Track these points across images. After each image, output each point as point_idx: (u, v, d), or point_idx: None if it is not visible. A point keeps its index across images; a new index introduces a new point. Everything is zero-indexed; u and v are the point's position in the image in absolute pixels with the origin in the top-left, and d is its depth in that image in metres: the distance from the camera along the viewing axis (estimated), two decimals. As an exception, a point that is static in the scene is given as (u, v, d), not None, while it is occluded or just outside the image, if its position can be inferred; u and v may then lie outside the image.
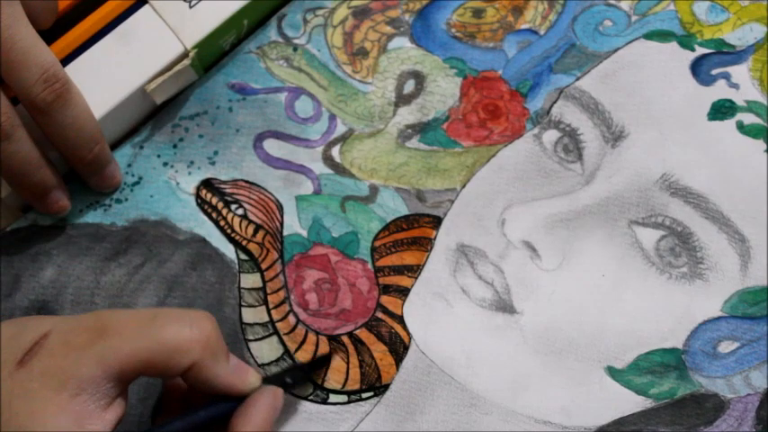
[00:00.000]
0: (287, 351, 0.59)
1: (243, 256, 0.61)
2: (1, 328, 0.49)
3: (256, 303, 0.60)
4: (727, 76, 0.62)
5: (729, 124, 0.61)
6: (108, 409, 0.48)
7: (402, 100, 0.64)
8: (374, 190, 0.62)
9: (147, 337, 0.49)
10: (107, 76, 0.59)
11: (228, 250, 0.61)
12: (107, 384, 0.48)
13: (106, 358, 0.48)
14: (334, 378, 0.58)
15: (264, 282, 0.60)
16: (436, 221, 0.61)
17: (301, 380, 0.57)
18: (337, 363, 0.58)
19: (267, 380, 0.54)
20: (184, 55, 0.61)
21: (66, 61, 0.59)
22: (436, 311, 0.59)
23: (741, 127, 0.61)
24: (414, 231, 0.61)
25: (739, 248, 0.59)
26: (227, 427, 0.51)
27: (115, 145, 0.63)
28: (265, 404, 0.52)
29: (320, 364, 0.59)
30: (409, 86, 0.64)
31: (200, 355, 0.49)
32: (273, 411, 0.52)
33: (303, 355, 0.59)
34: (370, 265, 0.60)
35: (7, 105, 0.55)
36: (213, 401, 0.52)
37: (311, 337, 0.59)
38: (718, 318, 0.59)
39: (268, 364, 0.59)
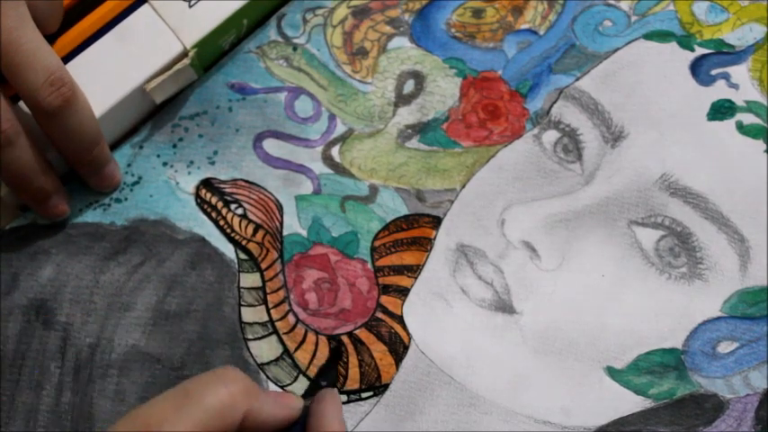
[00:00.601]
0: (286, 350, 0.59)
1: (242, 256, 0.61)
2: None
3: (256, 303, 0.60)
4: (726, 77, 0.63)
5: (729, 124, 0.61)
6: None
7: (402, 100, 0.64)
8: (374, 190, 0.62)
9: (191, 416, 0.47)
10: (106, 76, 0.59)
11: (228, 250, 0.61)
12: None
13: None
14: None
15: (264, 281, 0.60)
16: (436, 221, 0.61)
17: (332, 377, 0.58)
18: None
19: (307, 392, 0.55)
20: (184, 54, 0.61)
21: (65, 60, 0.59)
22: (436, 311, 0.59)
23: (741, 127, 0.61)
24: (413, 231, 0.61)
25: (739, 248, 0.59)
26: None
27: (115, 145, 0.63)
28: (334, 408, 0.52)
29: (338, 356, 0.59)
30: (409, 86, 0.64)
31: (247, 402, 0.48)
32: (340, 409, 0.53)
33: (303, 355, 0.59)
34: (369, 265, 0.60)
35: (9, 111, 0.55)
36: None
37: (311, 336, 0.59)
38: (718, 318, 0.59)
39: (267, 363, 0.59)
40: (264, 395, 0.50)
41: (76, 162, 0.59)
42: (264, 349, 0.59)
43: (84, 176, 0.61)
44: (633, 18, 0.65)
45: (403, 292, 0.60)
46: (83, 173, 0.61)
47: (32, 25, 0.55)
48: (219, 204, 0.62)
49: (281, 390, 0.58)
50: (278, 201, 0.62)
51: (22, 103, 0.57)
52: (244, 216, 0.61)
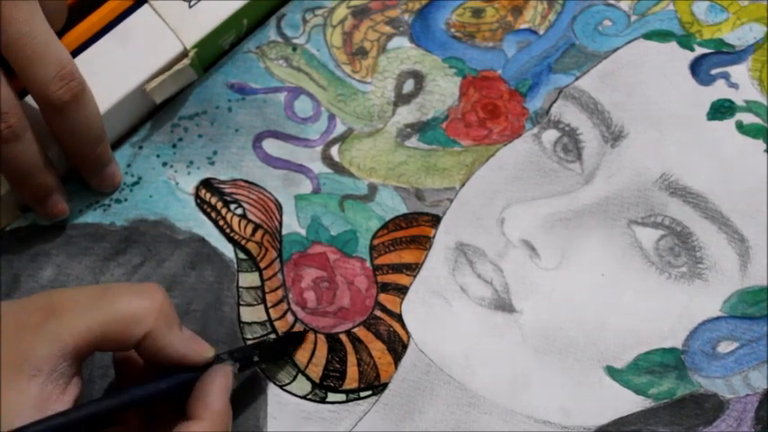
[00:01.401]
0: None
1: (242, 256, 0.61)
2: None
3: (255, 302, 0.60)
4: (726, 76, 0.63)
5: (729, 124, 0.61)
6: (66, 390, 0.48)
7: (401, 99, 0.64)
8: (373, 189, 0.62)
9: (99, 310, 0.49)
10: (106, 75, 0.59)
11: (227, 249, 0.61)
12: (63, 363, 0.48)
13: (60, 336, 0.48)
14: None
15: (263, 280, 0.60)
16: (435, 220, 0.61)
17: (269, 357, 0.57)
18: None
19: (235, 355, 0.54)
20: (184, 54, 0.61)
21: (66, 60, 0.59)
22: (435, 310, 0.59)
23: (740, 127, 0.61)
24: (413, 230, 0.61)
25: (739, 248, 0.59)
26: (186, 410, 0.51)
27: (114, 145, 0.63)
28: (221, 385, 0.52)
29: (290, 341, 0.58)
30: (408, 86, 0.64)
31: (153, 323, 0.49)
32: (228, 390, 0.52)
33: (301, 354, 0.58)
34: (368, 264, 0.60)
35: (17, 106, 0.55)
36: (168, 374, 0.52)
37: (309, 335, 0.59)
38: (718, 318, 0.58)
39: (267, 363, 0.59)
40: (177, 327, 0.51)
41: (80, 160, 0.59)
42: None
43: (85, 176, 0.61)
44: (633, 18, 0.65)
45: (402, 291, 0.60)
46: (85, 172, 0.61)
47: (44, 19, 0.54)
48: (219, 204, 0.62)
49: (279, 388, 0.58)
50: (277, 201, 0.62)
51: (27, 99, 0.57)
52: (243, 216, 0.61)
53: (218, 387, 0.52)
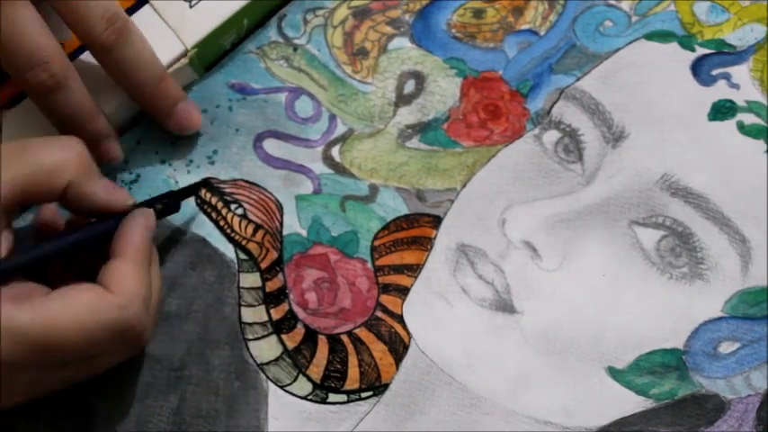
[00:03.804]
0: (286, 350, 0.59)
1: (242, 256, 0.61)
2: None
3: (255, 303, 0.60)
4: (727, 77, 0.63)
5: (730, 124, 0.61)
6: None
7: (402, 100, 0.64)
8: (374, 189, 0.62)
9: (20, 163, 0.51)
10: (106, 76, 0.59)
11: (228, 250, 0.61)
12: None
13: None
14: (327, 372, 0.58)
15: (264, 281, 0.60)
16: (436, 221, 0.61)
17: (171, 206, 0.59)
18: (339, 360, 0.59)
19: (138, 206, 0.56)
20: (184, 54, 0.61)
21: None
22: (436, 311, 0.59)
23: (741, 127, 0.61)
24: (414, 231, 0.61)
25: (740, 249, 0.59)
26: (109, 251, 0.53)
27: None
28: (140, 224, 0.55)
29: (189, 192, 0.61)
30: (409, 86, 0.64)
31: (75, 173, 0.52)
32: (148, 231, 0.55)
33: (302, 354, 0.58)
34: (369, 265, 0.60)
35: (61, 54, 0.56)
36: (92, 223, 0.55)
37: (310, 336, 0.59)
38: (719, 318, 0.58)
39: (267, 363, 0.58)
40: (98, 176, 0.54)
41: (145, 100, 0.60)
42: (264, 349, 0.59)
43: (159, 119, 0.62)
44: (634, 18, 0.65)
45: (403, 292, 0.60)
46: (157, 114, 0.61)
47: None
48: (219, 204, 0.62)
49: (280, 388, 0.58)
50: (278, 201, 0.62)
51: (83, 56, 0.59)
52: (244, 216, 0.61)
53: (138, 225, 0.54)
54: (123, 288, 0.51)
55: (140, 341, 0.53)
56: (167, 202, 0.59)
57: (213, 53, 0.64)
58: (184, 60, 0.61)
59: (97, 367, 0.53)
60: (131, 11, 0.62)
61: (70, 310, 0.49)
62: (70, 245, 0.54)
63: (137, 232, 0.54)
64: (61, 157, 0.52)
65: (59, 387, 0.53)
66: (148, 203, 0.57)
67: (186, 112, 0.62)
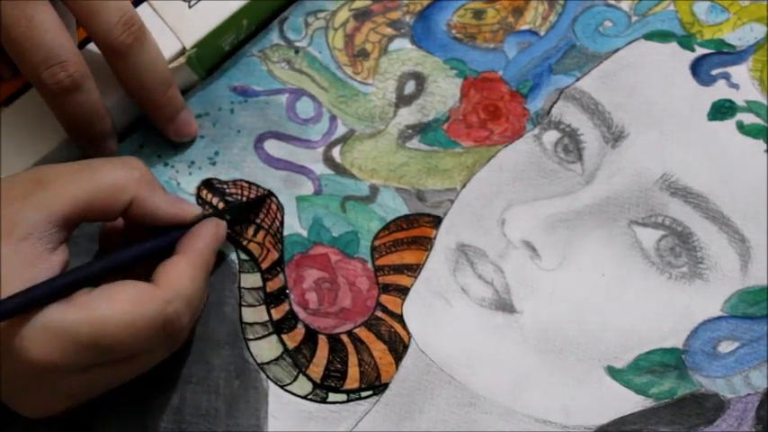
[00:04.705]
0: (286, 350, 0.59)
1: (243, 256, 0.61)
2: None
3: (256, 303, 0.60)
4: (727, 77, 0.62)
5: (729, 124, 0.61)
6: (55, 252, 0.51)
7: (402, 101, 0.64)
8: (374, 190, 0.62)
9: (84, 180, 0.52)
10: (107, 74, 0.59)
11: (229, 250, 0.61)
12: (52, 229, 0.51)
13: (49, 204, 0.51)
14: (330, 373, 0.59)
15: (264, 281, 0.60)
16: (436, 221, 0.61)
17: (239, 218, 0.60)
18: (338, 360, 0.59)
19: (213, 214, 0.57)
20: (183, 54, 0.61)
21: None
22: (436, 310, 0.59)
23: (741, 127, 0.61)
24: (414, 231, 0.61)
25: (739, 248, 0.59)
26: (173, 252, 0.54)
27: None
28: (209, 231, 0.56)
29: (258, 204, 0.61)
30: (410, 87, 0.64)
31: (137, 189, 0.53)
32: (216, 238, 0.56)
33: (302, 354, 0.59)
34: (369, 265, 0.60)
35: (78, 56, 0.56)
36: (158, 233, 0.55)
37: (310, 335, 0.59)
38: (719, 317, 0.58)
39: (267, 363, 0.59)
40: (161, 189, 0.55)
41: (151, 106, 0.60)
42: (265, 349, 0.59)
43: (160, 124, 0.62)
44: (634, 18, 0.65)
45: (403, 292, 0.60)
46: (159, 120, 0.62)
47: None
48: (221, 205, 0.62)
49: (280, 388, 0.58)
50: (279, 201, 0.62)
51: (87, 47, 0.59)
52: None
53: (207, 231, 0.56)
54: (171, 284, 0.52)
55: (179, 338, 0.54)
56: (236, 214, 0.59)
57: (212, 54, 0.64)
58: (181, 59, 0.61)
59: (141, 366, 0.53)
60: (131, 11, 0.62)
61: (116, 305, 0.50)
62: (132, 258, 0.54)
63: (203, 238, 0.55)
64: (123, 176, 0.53)
65: (105, 389, 0.53)
66: (216, 215, 0.58)
67: (187, 120, 0.62)
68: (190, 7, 0.62)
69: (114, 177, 0.53)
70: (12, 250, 0.49)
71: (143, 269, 0.54)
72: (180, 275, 0.53)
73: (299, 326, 0.59)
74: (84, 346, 0.49)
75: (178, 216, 0.55)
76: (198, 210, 0.57)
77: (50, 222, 0.50)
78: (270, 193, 0.62)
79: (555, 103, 0.63)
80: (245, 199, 0.61)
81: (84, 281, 0.51)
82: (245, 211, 0.61)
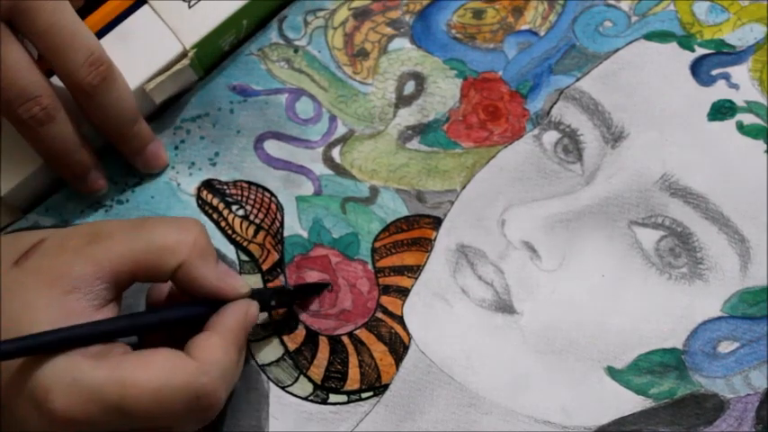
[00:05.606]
0: (287, 351, 0.59)
1: (243, 257, 0.61)
2: (0, 238, 0.52)
3: (257, 304, 0.60)
4: (727, 77, 0.63)
5: (729, 125, 0.61)
6: (100, 310, 0.50)
7: (402, 101, 0.64)
8: (374, 191, 0.62)
9: (137, 239, 0.51)
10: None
11: (229, 251, 0.61)
12: (100, 285, 0.50)
13: (98, 259, 0.50)
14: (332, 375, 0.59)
15: (265, 282, 0.60)
16: (436, 222, 0.61)
17: (286, 303, 0.59)
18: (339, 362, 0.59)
19: (256, 297, 0.55)
20: (183, 54, 0.61)
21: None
22: (436, 312, 0.59)
23: (741, 127, 0.61)
24: (414, 232, 0.61)
25: (739, 249, 0.59)
26: (202, 327, 0.53)
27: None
28: (240, 310, 0.53)
29: (309, 291, 0.60)
30: (409, 88, 0.64)
31: (187, 254, 0.51)
32: (245, 318, 0.53)
33: (303, 355, 0.59)
34: (370, 266, 0.60)
35: (49, 88, 0.56)
36: (195, 302, 0.53)
37: (311, 337, 0.59)
38: (718, 318, 0.59)
39: (268, 364, 0.59)
40: (213, 260, 0.53)
41: (119, 140, 0.60)
42: (265, 350, 0.59)
43: (129, 157, 0.62)
44: (633, 18, 0.65)
45: (403, 293, 0.60)
46: (127, 153, 0.61)
47: (70, 8, 0.56)
48: (221, 206, 0.62)
49: (281, 389, 0.58)
50: (279, 202, 0.62)
51: (55, 78, 0.58)
52: (245, 217, 0.61)
53: (238, 310, 0.53)
54: (205, 356, 0.50)
55: (211, 412, 0.51)
56: (283, 299, 0.58)
57: (212, 53, 0.64)
58: (185, 61, 0.61)
59: None
60: (130, 11, 0.62)
61: (147, 370, 0.48)
62: (157, 322, 0.53)
63: (233, 316, 0.53)
64: (176, 239, 0.51)
65: None
66: (262, 295, 0.56)
67: (155, 153, 0.62)
68: (190, 7, 0.62)
69: (166, 239, 0.51)
70: (52, 302, 0.49)
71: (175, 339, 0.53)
72: (213, 348, 0.51)
73: (300, 327, 0.59)
74: (106, 406, 0.47)
75: (222, 290, 0.53)
76: (246, 288, 0.54)
77: (99, 278, 0.50)
78: (319, 284, 0.60)
79: (555, 103, 0.63)
80: (246, 204, 0.61)
81: (102, 336, 0.49)
82: (292, 297, 0.59)
